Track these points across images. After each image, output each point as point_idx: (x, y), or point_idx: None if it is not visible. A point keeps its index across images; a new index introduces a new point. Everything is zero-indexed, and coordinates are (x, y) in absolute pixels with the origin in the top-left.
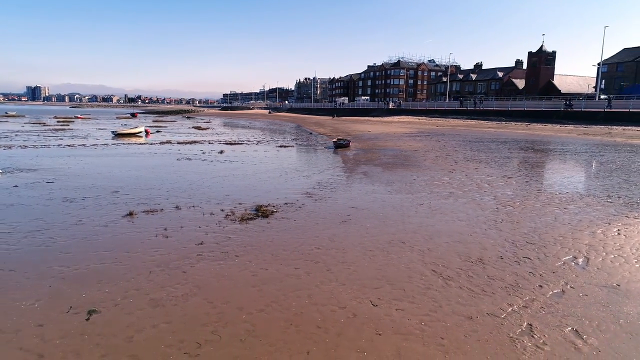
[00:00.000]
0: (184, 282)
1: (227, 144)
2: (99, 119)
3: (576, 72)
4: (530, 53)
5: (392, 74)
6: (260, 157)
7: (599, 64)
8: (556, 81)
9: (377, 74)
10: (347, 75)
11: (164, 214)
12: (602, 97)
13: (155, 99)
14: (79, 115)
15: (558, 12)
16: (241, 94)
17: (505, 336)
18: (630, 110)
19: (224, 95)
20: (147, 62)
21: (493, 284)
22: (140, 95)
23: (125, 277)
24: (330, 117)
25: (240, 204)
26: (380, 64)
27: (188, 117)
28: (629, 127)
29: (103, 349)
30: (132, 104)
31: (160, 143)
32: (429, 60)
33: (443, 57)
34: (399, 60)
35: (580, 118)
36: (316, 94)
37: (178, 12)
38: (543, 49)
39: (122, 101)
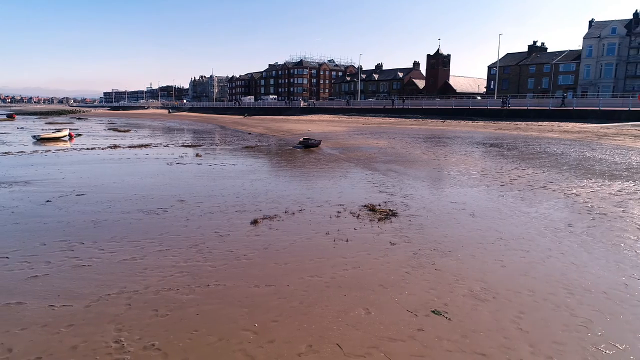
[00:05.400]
0: (455, 280)
1: (185, 146)
2: None
3: (464, 73)
4: (428, 55)
5: (295, 73)
6: (250, 160)
7: (493, 67)
8: (451, 82)
9: (280, 72)
10: (247, 74)
11: (286, 219)
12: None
13: (19, 97)
14: None
15: (444, 19)
16: (127, 92)
17: None
18: (528, 107)
19: (105, 93)
20: None
21: None
22: None
23: (392, 281)
24: (242, 117)
25: (340, 204)
26: (281, 63)
27: (79, 119)
28: (530, 123)
29: (529, 342)
30: None
31: (110, 147)
32: (329, 60)
33: (342, 58)
34: (301, 60)
35: (485, 115)
36: (214, 92)
37: None
38: (440, 52)
39: None
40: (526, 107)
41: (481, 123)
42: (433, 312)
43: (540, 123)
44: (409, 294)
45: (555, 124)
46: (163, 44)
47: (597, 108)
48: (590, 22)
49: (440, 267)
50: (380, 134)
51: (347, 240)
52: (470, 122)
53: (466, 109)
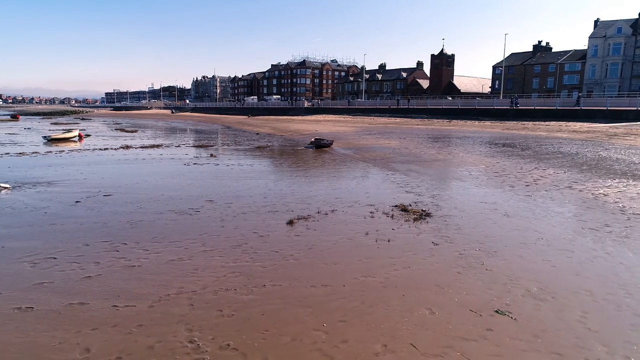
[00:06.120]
0: (509, 280)
1: (197, 147)
2: None
3: (467, 73)
4: (432, 55)
5: (298, 73)
6: (265, 160)
7: (499, 66)
8: (456, 81)
9: (283, 73)
10: (250, 74)
11: (321, 219)
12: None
13: (21, 98)
14: None
15: (446, 18)
16: (129, 92)
17: None
18: (535, 107)
19: (107, 94)
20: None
21: None
22: (0, 95)
23: (447, 281)
24: (246, 117)
25: (371, 205)
26: (284, 63)
27: (83, 119)
28: (538, 122)
29: (601, 342)
30: None
31: (122, 148)
32: (332, 60)
33: (344, 58)
34: (304, 60)
35: (492, 115)
36: (216, 92)
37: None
38: (444, 51)
39: None
40: (533, 107)
41: (488, 123)
42: (497, 312)
43: (547, 123)
44: (467, 294)
45: (563, 123)
46: (164, 44)
47: (605, 108)
48: (596, 21)
49: (490, 268)
50: (389, 134)
51: (388, 241)
52: (477, 122)
53: (472, 108)
